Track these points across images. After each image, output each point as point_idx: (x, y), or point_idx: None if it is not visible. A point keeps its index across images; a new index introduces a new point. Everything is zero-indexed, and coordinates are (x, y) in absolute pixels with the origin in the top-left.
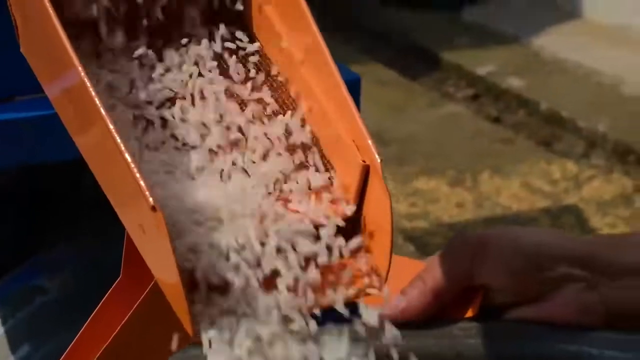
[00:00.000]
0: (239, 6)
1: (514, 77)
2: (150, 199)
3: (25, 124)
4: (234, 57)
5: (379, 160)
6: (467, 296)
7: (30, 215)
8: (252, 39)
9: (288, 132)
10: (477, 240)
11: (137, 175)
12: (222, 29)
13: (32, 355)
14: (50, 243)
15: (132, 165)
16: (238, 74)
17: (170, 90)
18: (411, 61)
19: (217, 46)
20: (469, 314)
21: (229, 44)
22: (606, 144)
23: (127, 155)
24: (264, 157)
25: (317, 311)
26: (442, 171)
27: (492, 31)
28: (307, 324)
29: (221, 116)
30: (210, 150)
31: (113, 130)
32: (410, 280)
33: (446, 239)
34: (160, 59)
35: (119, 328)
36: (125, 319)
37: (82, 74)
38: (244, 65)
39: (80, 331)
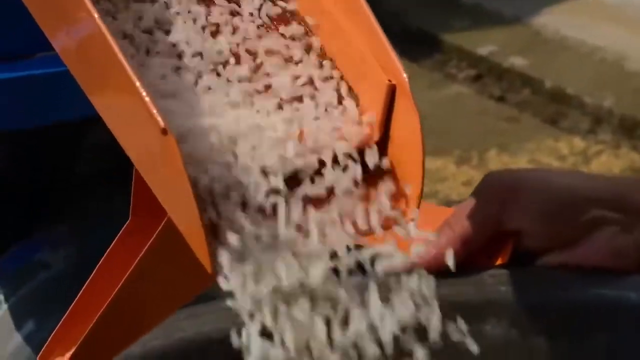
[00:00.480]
0: None
1: (517, 56)
2: (161, 121)
3: (43, 80)
4: None
5: (406, 79)
6: (498, 242)
7: (26, 192)
8: None
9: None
10: (507, 183)
11: (147, 99)
12: None
13: (37, 331)
14: (50, 220)
15: (141, 89)
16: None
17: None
18: (411, 44)
19: None
20: (500, 260)
21: None
22: (612, 119)
23: (133, 77)
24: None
25: (349, 244)
26: (448, 150)
27: (491, 12)
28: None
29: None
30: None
31: (121, 55)
32: (437, 227)
33: None
34: None
35: (130, 270)
36: (137, 260)
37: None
38: None
39: (89, 278)
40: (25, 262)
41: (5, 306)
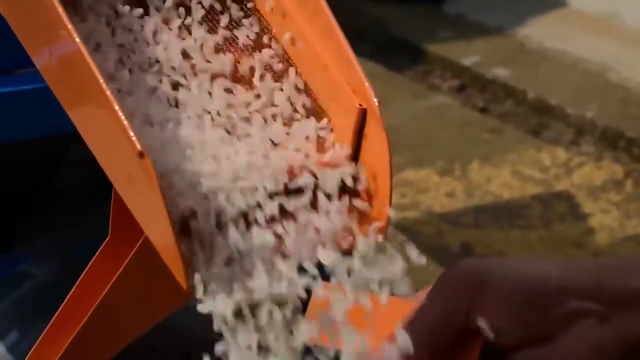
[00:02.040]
0: None
1: (500, 67)
2: (138, 145)
3: (25, 96)
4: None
5: (376, 103)
6: (465, 339)
7: (9, 205)
8: None
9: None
10: (474, 275)
11: (125, 122)
12: None
13: (21, 341)
14: (32, 232)
15: (119, 113)
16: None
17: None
18: (395, 54)
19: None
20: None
21: None
22: (595, 130)
23: (112, 100)
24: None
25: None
26: (431, 161)
27: (475, 22)
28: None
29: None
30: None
31: (100, 79)
32: (399, 324)
33: (437, 228)
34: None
35: (109, 286)
36: (116, 276)
37: (68, 24)
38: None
39: (70, 292)
40: (8, 273)
41: None
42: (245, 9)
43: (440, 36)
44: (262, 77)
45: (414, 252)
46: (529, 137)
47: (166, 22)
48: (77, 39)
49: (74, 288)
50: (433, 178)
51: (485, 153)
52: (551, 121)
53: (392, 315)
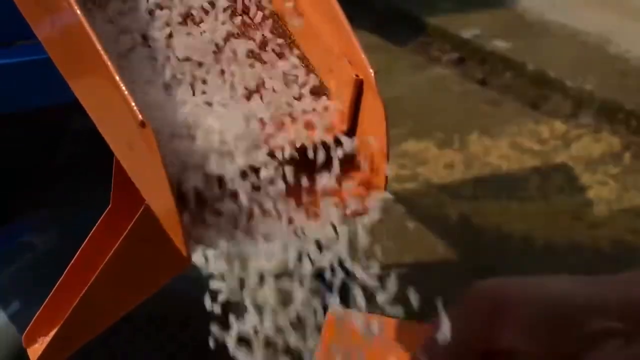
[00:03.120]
0: None
1: (499, 39)
2: (139, 115)
3: (25, 68)
4: None
5: (372, 74)
6: None
7: (8, 177)
8: None
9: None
10: (494, 296)
11: (125, 92)
12: None
13: (22, 311)
14: (32, 204)
15: (120, 82)
16: None
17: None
18: (395, 26)
19: None
20: None
21: None
22: (593, 103)
23: (113, 71)
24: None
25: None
26: (430, 133)
27: None
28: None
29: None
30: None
31: (97, 43)
32: (417, 349)
33: (436, 199)
34: None
35: (111, 254)
36: (117, 244)
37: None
38: None
39: (72, 261)
40: (9, 245)
41: None
42: None
43: (440, 8)
44: (264, 48)
45: (414, 298)
46: (528, 110)
47: None
48: (78, 10)
49: (75, 256)
50: (432, 150)
51: (484, 125)
52: (550, 93)
53: (409, 340)
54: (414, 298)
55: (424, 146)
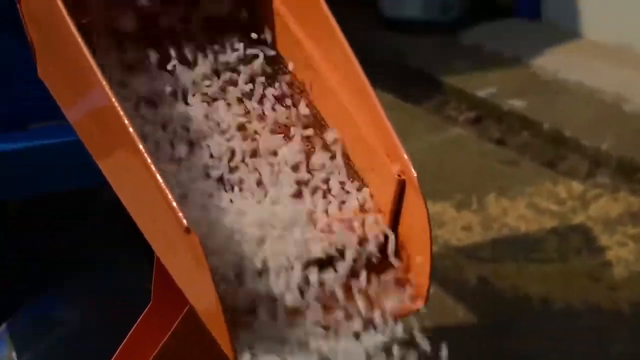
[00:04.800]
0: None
1: (516, 98)
2: (184, 220)
3: (39, 152)
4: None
5: (414, 174)
6: None
7: (36, 248)
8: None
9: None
10: None
11: (170, 196)
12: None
13: None
14: (61, 275)
15: (164, 186)
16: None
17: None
18: (410, 86)
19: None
20: None
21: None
22: (610, 162)
23: (158, 176)
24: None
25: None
26: (447, 194)
27: (490, 53)
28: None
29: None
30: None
31: (143, 150)
32: None
33: (455, 262)
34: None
35: (155, 354)
36: (160, 345)
37: (109, 93)
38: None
39: (113, 358)
40: (38, 319)
41: None
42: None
43: (456, 67)
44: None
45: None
46: (545, 169)
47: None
48: (121, 112)
49: (116, 354)
50: (450, 211)
51: (502, 185)
52: (567, 153)
53: None
54: None
55: (442, 208)
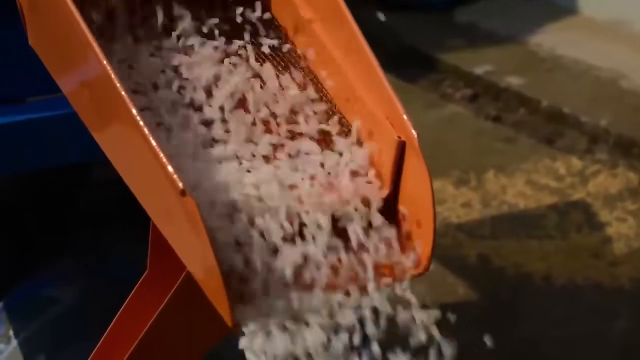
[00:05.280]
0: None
1: (513, 75)
2: (180, 183)
3: (37, 125)
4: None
5: (415, 135)
6: None
7: (31, 229)
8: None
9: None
10: None
11: (164, 160)
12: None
13: None
14: (55, 255)
15: (158, 150)
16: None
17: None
18: (407, 64)
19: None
20: None
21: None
22: (609, 138)
23: (152, 140)
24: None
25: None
26: (446, 172)
27: (486, 31)
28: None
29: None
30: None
31: (137, 116)
32: None
33: (455, 239)
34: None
35: (151, 321)
36: (157, 312)
37: (103, 60)
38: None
39: (109, 327)
40: (33, 298)
41: (15, 342)
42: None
43: (451, 45)
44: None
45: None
46: (543, 146)
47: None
48: (113, 76)
49: (113, 322)
50: (449, 189)
51: (500, 162)
52: (565, 129)
53: None
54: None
55: (441, 185)
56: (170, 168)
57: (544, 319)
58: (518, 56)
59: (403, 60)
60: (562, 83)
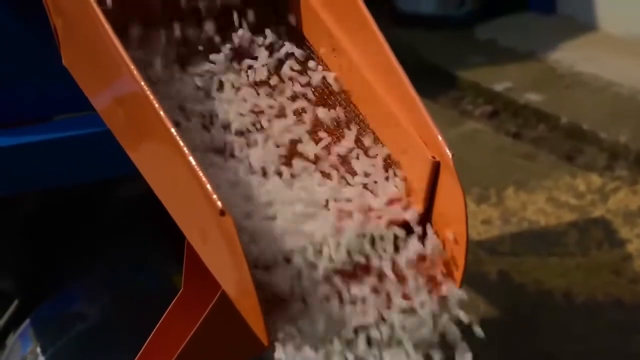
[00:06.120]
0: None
1: (532, 92)
2: (219, 203)
3: (63, 144)
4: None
5: (450, 155)
6: None
7: (52, 245)
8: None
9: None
10: None
11: (204, 178)
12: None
13: None
14: (77, 271)
15: (197, 169)
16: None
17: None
18: (426, 81)
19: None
20: None
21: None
22: (629, 154)
23: (191, 158)
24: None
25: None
26: (465, 188)
27: (505, 47)
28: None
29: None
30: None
31: (175, 134)
32: None
33: (475, 255)
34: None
35: (187, 340)
36: (192, 332)
37: (139, 79)
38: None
39: (144, 347)
40: (60, 314)
41: (42, 358)
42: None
43: (471, 62)
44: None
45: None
46: (563, 163)
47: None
48: (155, 103)
49: (147, 341)
50: (470, 206)
51: (520, 179)
52: (584, 146)
53: None
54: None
55: None
56: (209, 187)
57: (564, 335)
58: (537, 73)
59: (423, 77)
60: (581, 99)
